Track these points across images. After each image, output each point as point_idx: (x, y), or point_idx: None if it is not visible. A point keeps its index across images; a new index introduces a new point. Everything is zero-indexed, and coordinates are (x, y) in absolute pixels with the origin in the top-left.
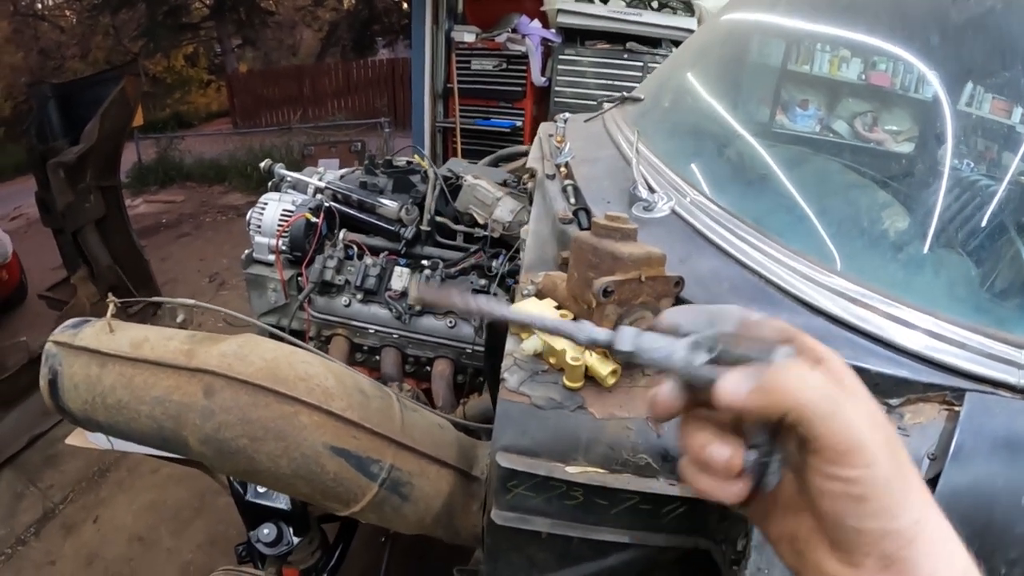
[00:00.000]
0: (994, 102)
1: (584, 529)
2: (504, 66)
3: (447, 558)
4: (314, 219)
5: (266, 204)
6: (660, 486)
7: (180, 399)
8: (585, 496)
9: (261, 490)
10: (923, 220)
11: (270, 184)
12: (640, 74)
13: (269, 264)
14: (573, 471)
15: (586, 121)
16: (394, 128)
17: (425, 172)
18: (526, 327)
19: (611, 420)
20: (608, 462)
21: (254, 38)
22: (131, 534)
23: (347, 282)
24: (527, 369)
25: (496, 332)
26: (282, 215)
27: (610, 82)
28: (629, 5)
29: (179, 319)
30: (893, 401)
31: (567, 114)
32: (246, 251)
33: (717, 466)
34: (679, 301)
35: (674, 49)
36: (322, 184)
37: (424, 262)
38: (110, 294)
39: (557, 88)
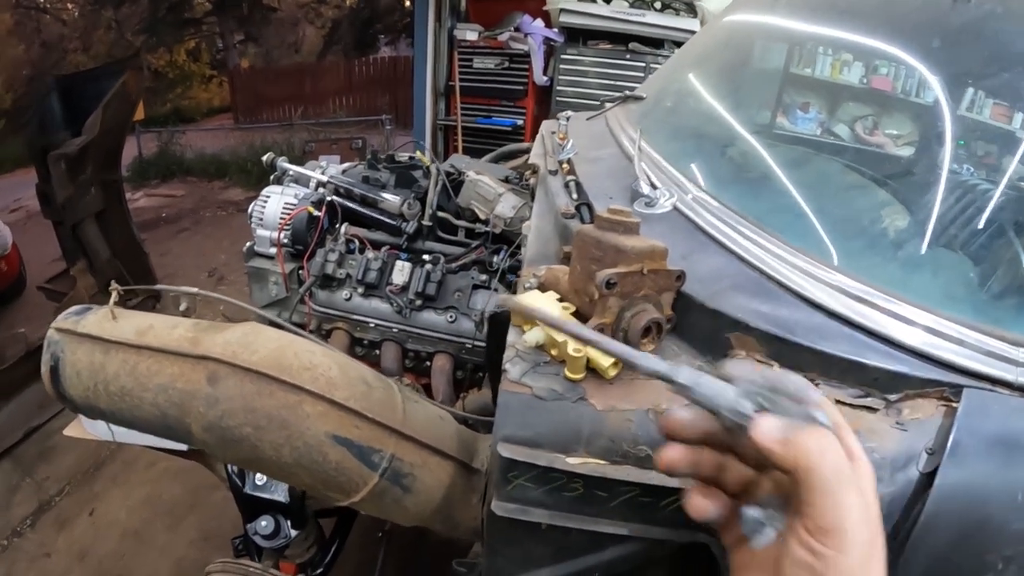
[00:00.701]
0: (994, 107)
1: (583, 521)
2: (506, 65)
3: (443, 553)
4: (316, 213)
5: (268, 197)
6: (660, 478)
7: (184, 386)
8: (585, 488)
9: (259, 483)
10: (923, 219)
11: (272, 178)
12: (642, 74)
13: (270, 257)
14: (574, 462)
15: (588, 119)
16: (395, 126)
17: (427, 168)
18: (607, 352)
19: (612, 412)
20: (609, 454)
21: (256, 34)
22: (125, 529)
23: (348, 276)
24: (529, 360)
25: (498, 325)
26: (284, 208)
27: (612, 82)
28: (632, 5)
29: (182, 308)
30: (891, 396)
31: (569, 112)
32: (247, 244)
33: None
34: (680, 295)
35: (676, 50)
36: (324, 178)
37: (425, 257)
38: (112, 281)
39: (559, 87)
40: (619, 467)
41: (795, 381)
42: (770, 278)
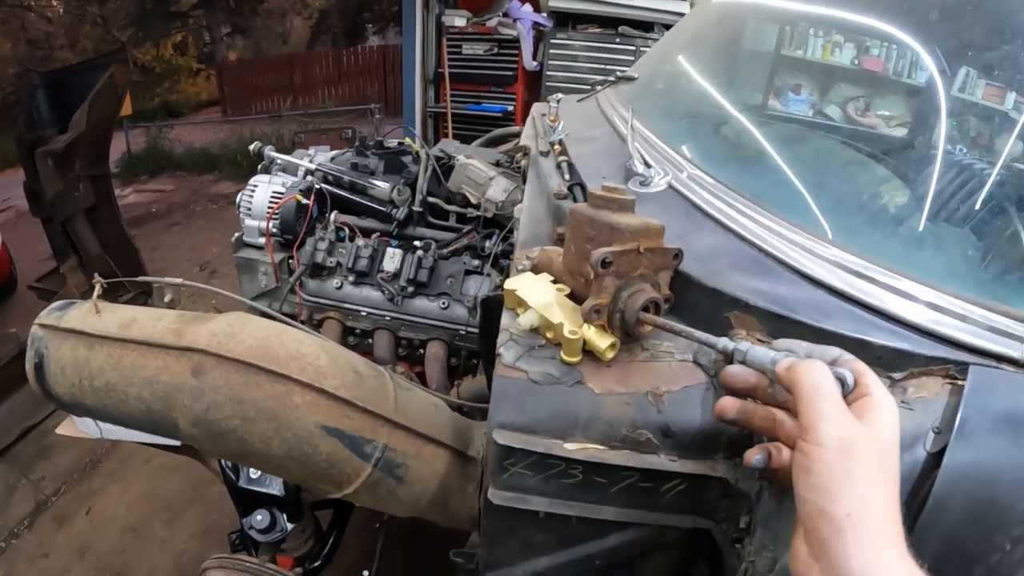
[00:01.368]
0: (986, 87)
1: (583, 508)
2: (495, 51)
3: (442, 544)
4: (305, 201)
5: (256, 187)
6: (660, 462)
7: (169, 379)
8: (584, 474)
9: (254, 476)
10: (922, 194)
11: (260, 167)
12: (632, 58)
13: (260, 247)
14: (572, 448)
15: (579, 101)
16: (384, 115)
17: (416, 153)
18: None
19: (610, 395)
20: (607, 438)
21: (244, 26)
22: (124, 525)
23: (339, 264)
24: (524, 344)
25: (491, 308)
26: (272, 197)
27: (602, 66)
28: None
29: (167, 299)
30: (896, 375)
31: (560, 94)
32: (236, 234)
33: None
34: (677, 274)
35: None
36: (313, 166)
37: (416, 243)
38: (96, 275)
39: (549, 72)
40: (618, 452)
41: (832, 349)
42: (769, 255)
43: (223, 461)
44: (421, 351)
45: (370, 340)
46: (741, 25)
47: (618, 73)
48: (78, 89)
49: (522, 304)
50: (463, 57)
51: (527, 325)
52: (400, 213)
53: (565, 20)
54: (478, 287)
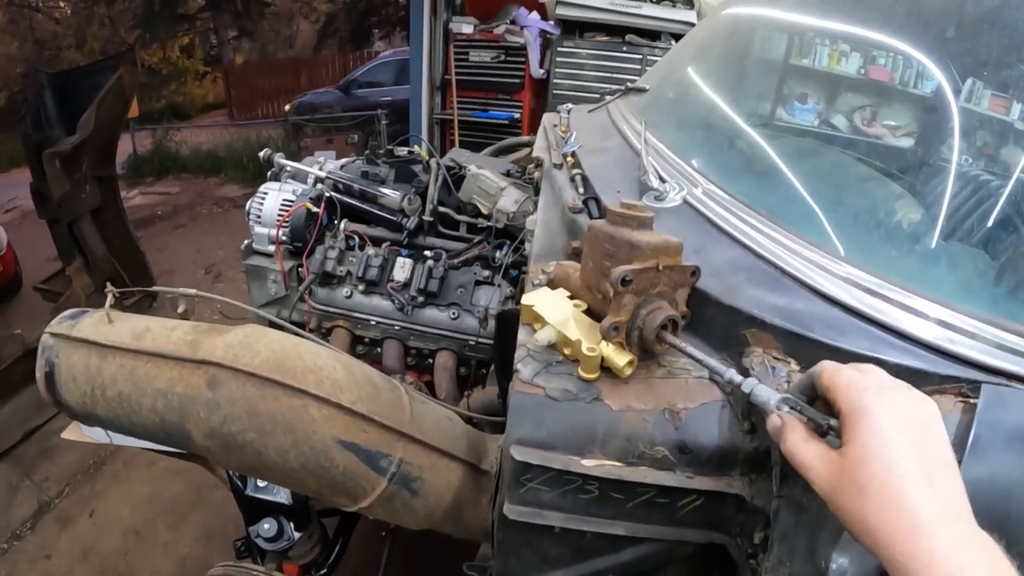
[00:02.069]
0: (992, 98)
1: (599, 523)
2: (502, 58)
3: (447, 552)
4: (315, 209)
5: (266, 194)
6: (678, 479)
7: (184, 391)
8: (601, 490)
9: (261, 484)
10: (936, 213)
11: (269, 174)
12: (639, 67)
13: (269, 255)
14: (589, 464)
15: (590, 112)
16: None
17: (427, 162)
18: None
19: (628, 412)
20: (625, 455)
21: (251, 29)
22: (127, 527)
23: (348, 273)
24: (541, 360)
25: (507, 322)
26: (282, 205)
27: (609, 74)
28: None
29: (180, 309)
30: None
31: (570, 105)
32: (245, 241)
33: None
34: (694, 291)
35: (673, 42)
36: (323, 174)
37: (427, 253)
38: (108, 284)
39: (556, 80)
40: (636, 468)
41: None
42: (784, 272)
43: (244, 473)
44: (430, 361)
45: (379, 349)
46: (751, 34)
47: (628, 84)
48: (86, 90)
49: (539, 320)
50: (470, 64)
51: (544, 341)
52: (410, 222)
53: (572, 28)
54: (489, 298)
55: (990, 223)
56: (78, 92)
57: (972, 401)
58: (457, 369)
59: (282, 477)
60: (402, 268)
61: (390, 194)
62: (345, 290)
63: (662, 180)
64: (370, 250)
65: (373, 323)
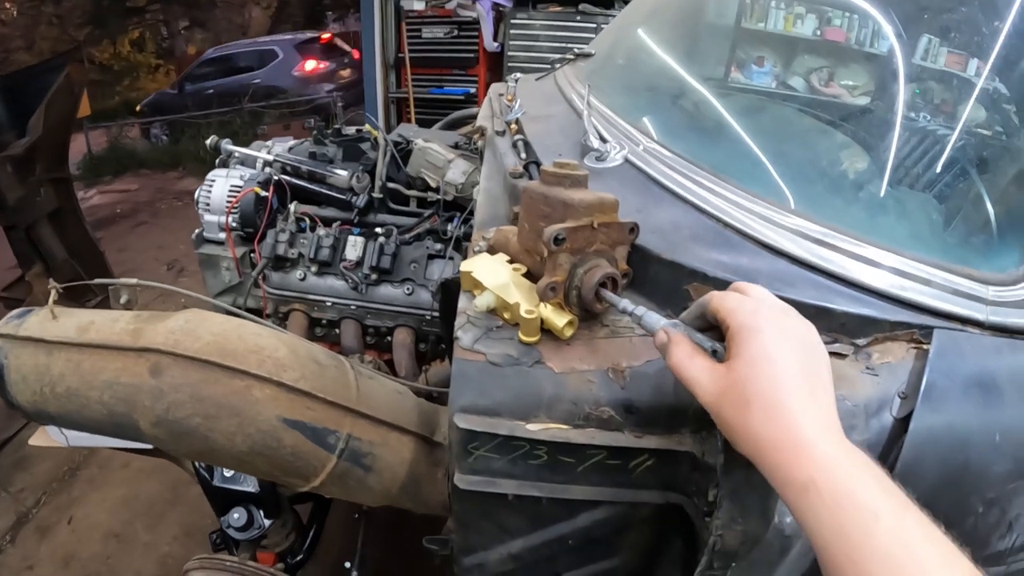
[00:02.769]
0: (948, 55)
1: (552, 489)
2: (455, 33)
3: (423, 531)
4: (263, 193)
5: (214, 181)
6: (626, 439)
7: (129, 381)
8: (550, 454)
9: (228, 475)
10: (883, 159)
11: (218, 161)
12: (594, 36)
13: (220, 243)
14: (535, 428)
15: (537, 79)
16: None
17: (375, 139)
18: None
19: (572, 374)
20: (571, 417)
21: (202, 19)
22: (106, 531)
23: (301, 255)
24: (481, 326)
25: (450, 291)
26: (230, 191)
27: (564, 45)
28: None
29: (123, 300)
30: (860, 341)
31: (518, 74)
32: (196, 231)
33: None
34: (635, 248)
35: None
36: (270, 157)
37: (378, 230)
38: (51, 280)
39: (510, 53)
40: (583, 431)
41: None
42: (728, 226)
43: (196, 461)
44: (389, 338)
45: (337, 330)
46: None
47: (576, 50)
48: (33, 92)
49: (478, 286)
50: (423, 41)
51: (484, 307)
52: (360, 200)
53: (525, 0)
54: (442, 271)
55: (937, 168)
56: (25, 94)
57: (924, 347)
58: (416, 345)
59: (232, 461)
60: (354, 247)
61: (339, 173)
62: (299, 273)
63: (603, 140)
64: (321, 231)
65: (329, 304)
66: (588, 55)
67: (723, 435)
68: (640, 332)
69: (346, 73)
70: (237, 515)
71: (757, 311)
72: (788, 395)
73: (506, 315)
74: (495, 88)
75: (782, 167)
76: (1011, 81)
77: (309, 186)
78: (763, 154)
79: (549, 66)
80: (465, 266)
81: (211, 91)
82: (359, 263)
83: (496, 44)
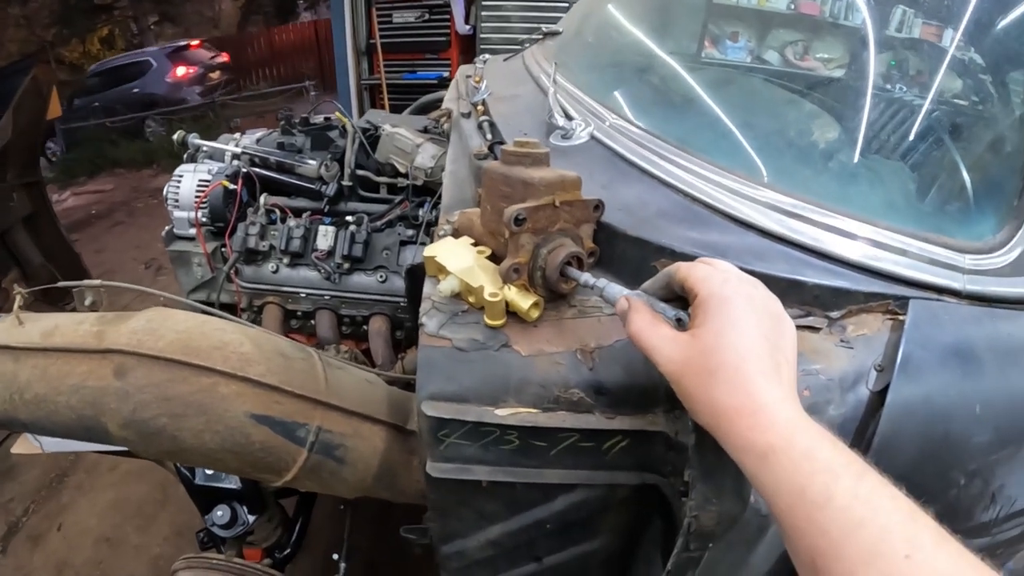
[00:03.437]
0: (923, 26)
1: (526, 473)
2: (426, 17)
3: (410, 519)
4: (232, 186)
5: (182, 176)
6: (598, 421)
7: (95, 383)
8: (521, 439)
9: (210, 472)
10: (857, 130)
11: (186, 156)
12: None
13: (191, 239)
14: (503, 413)
15: (506, 60)
16: (321, 90)
17: (344, 127)
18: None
19: (539, 356)
20: (540, 401)
21: (172, 14)
22: (97, 536)
23: (272, 247)
24: (446, 311)
25: (416, 276)
26: (199, 185)
27: (537, 25)
28: None
29: (88, 302)
30: (834, 314)
31: (486, 55)
32: (166, 227)
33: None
34: (601, 226)
35: None
36: (238, 150)
37: (349, 218)
38: (15, 285)
39: (483, 35)
40: (553, 414)
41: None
42: (697, 200)
43: (168, 461)
44: (365, 327)
45: (313, 321)
46: None
47: (544, 28)
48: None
49: (443, 270)
50: (394, 26)
51: (448, 291)
52: (330, 189)
53: None
54: (414, 257)
55: (911, 136)
56: None
57: (900, 318)
58: (392, 332)
59: (203, 459)
60: (325, 236)
61: (308, 163)
62: (271, 265)
63: (569, 118)
64: (291, 222)
65: (303, 295)
66: (556, 33)
67: (683, 404)
68: (609, 311)
69: (215, 75)
70: (221, 513)
71: (727, 281)
72: (752, 367)
73: (471, 299)
74: (463, 70)
75: (753, 139)
76: (985, 50)
77: (278, 177)
78: (733, 126)
79: (519, 46)
80: (429, 251)
81: (97, 104)
82: (331, 253)
83: (468, 27)
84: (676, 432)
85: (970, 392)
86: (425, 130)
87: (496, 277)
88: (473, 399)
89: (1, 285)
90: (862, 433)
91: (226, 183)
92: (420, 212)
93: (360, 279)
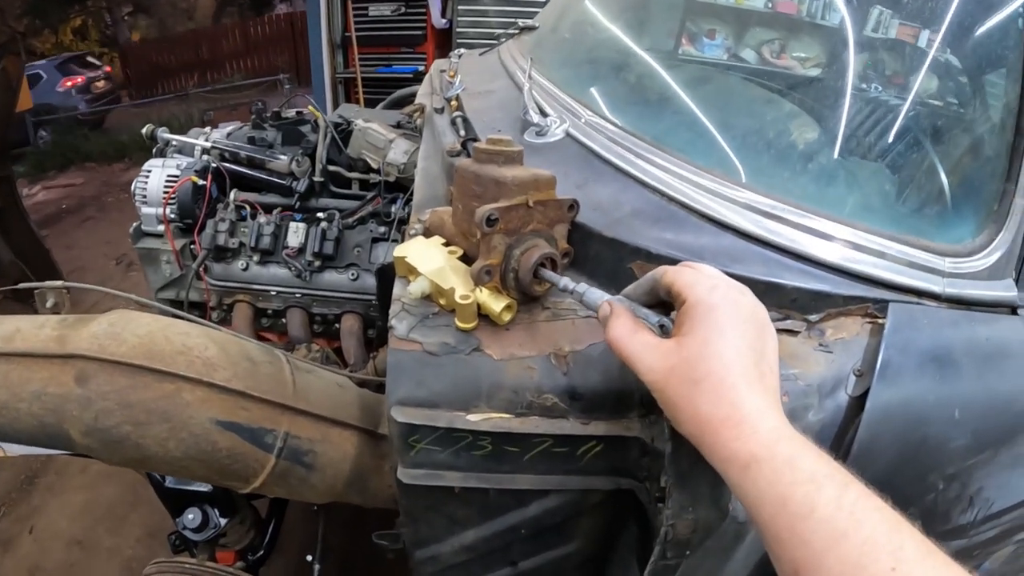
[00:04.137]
0: (900, 27)
1: (499, 479)
2: (402, 10)
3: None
4: (201, 181)
5: (150, 172)
6: (572, 426)
7: (56, 390)
8: (494, 444)
9: None
10: (835, 131)
11: (155, 150)
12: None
13: (160, 235)
14: (475, 419)
15: (481, 55)
16: (296, 84)
17: (316, 121)
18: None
19: (511, 360)
20: (512, 406)
21: (146, 5)
22: (69, 539)
23: (242, 245)
24: (416, 314)
25: (386, 277)
26: (167, 181)
27: (514, 20)
28: None
29: (49, 304)
30: (812, 317)
31: (462, 50)
32: (134, 224)
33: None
34: (575, 226)
35: None
36: (208, 144)
37: (320, 215)
38: None
39: (459, 29)
40: (526, 419)
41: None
42: (673, 200)
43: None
44: (337, 326)
45: (283, 320)
46: None
47: (520, 23)
48: None
49: (413, 271)
50: (370, 19)
51: (418, 293)
52: (301, 185)
53: None
54: (386, 254)
55: (889, 138)
56: None
57: (880, 322)
58: (365, 331)
59: (168, 467)
60: (296, 233)
61: (278, 158)
62: (241, 263)
63: (543, 114)
64: (262, 218)
65: (273, 293)
66: (533, 28)
67: (665, 413)
68: (584, 313)
69: (100, 84)
70: (192, 516)
71: (715, 288)
72: (738, 378)
73: (442, 301)
74: (437, 64)
75: (730, 138)
76: (962, 52)
77: (249, 172)
78: (710, 125)
79: (495, 41)
80: (399, 251)
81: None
82: (302, 250)
83: (444, 21)
84: (652, 438)
85: (949, 396)
86: (398, 125)
87: (468, 279)
88: (444, 404)
89: None
90: (841, 438)
91: (195, 178)
92: (392, 209)
93: (331, 277)
